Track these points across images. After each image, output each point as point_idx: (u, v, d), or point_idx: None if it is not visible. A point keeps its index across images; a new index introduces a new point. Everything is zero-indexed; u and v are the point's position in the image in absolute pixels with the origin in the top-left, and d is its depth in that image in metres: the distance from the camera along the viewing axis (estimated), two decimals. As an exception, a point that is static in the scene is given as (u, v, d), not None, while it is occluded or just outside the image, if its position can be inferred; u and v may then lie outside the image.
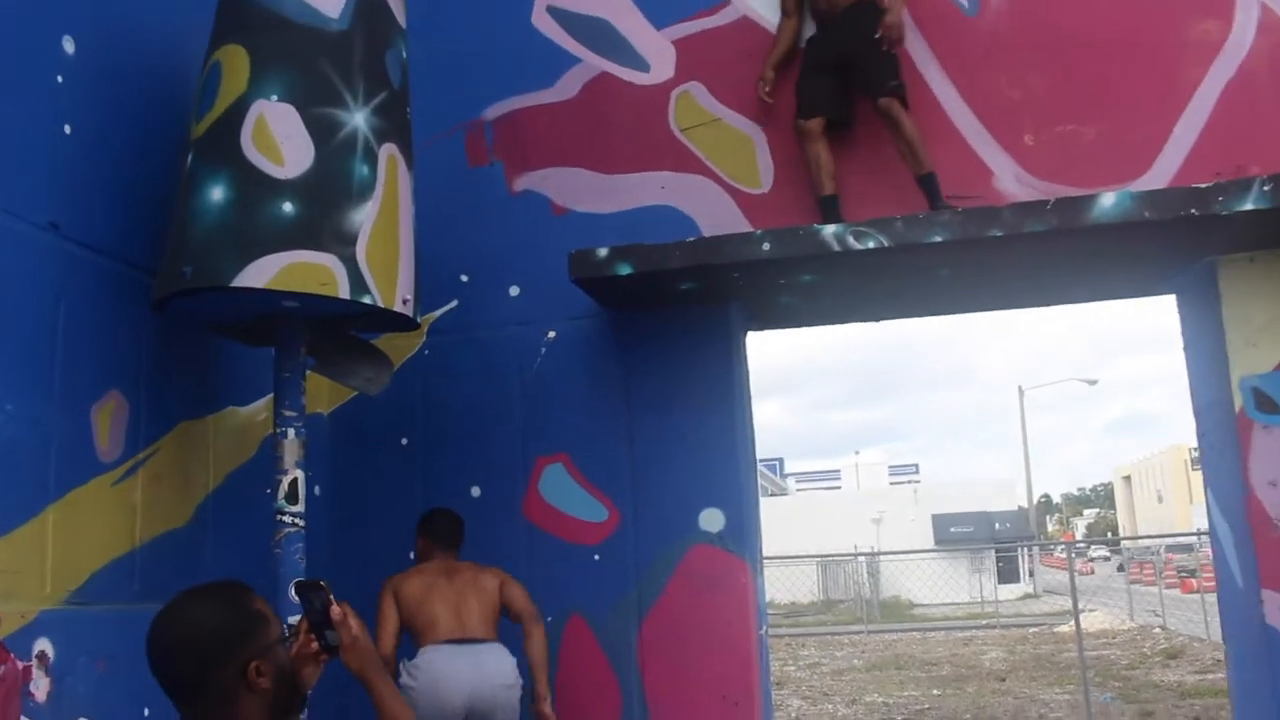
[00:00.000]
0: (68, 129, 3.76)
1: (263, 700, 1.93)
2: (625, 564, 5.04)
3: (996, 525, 35.74)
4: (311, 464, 4.21)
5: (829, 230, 4.44)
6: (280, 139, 3.66)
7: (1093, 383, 38.46)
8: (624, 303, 5.07)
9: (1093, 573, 38.21)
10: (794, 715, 12.98)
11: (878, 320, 5.70)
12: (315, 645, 2.06)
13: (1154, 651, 17.98)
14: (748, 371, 5.36)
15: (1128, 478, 57.26)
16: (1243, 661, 4.86)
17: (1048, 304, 5.58)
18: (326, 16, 3.84)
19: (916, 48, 5.12)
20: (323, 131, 3.72)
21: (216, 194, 3.63)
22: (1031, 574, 35.20)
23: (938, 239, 4.34)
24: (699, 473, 5.03)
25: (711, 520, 4.99)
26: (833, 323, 5.66)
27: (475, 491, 5.23)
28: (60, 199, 3.70)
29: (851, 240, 4.40)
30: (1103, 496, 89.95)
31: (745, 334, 5.40)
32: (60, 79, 3.75)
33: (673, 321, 5.11)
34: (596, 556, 5.07)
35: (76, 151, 3.79)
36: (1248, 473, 4.66)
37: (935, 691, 14.58)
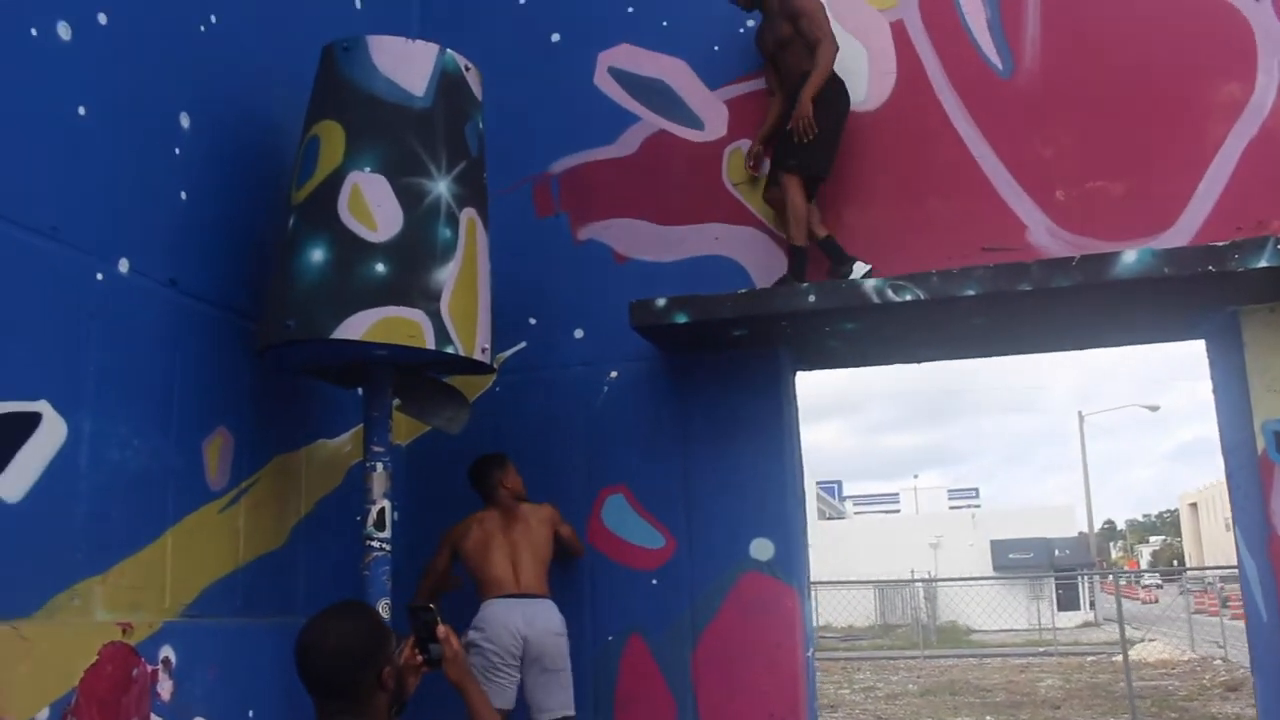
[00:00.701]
0: (183, 195, 4.23)
1: (387, 698, 2.41)
2: (681, 588, 5.39)
3: (1056, 552, 35.47)
4: (391, 493, 4.61)
5: (870, 284, 4.81)
6: (373, 206, 4.11)
7: (1154, 408, 38.04)
8: (680, 347, 5.46)
9: (1156, 601, 37.74)
10: (846, 738, 13.20)
11: (919, 362, 6.03)
12: (420, 658, 2.56)
13: (1214, 683, 17.86)
14: (796, 410, 5.72)
15: (1194, 505, 56.37)
16: (1268, 692, 5.11)
17: (1081, 348, 5.88)
18: (413, 95, 4.29)
19: (953, 107, 5.47)
20: (410, 199, 4.16)
21: (316, 255, 4.08)
22: (1093, 604, 34.88)
23: (970, 293, 4.68)
24: (750, 505, 5.37)
25: (762, 549, 5.34)
26: (876, 364, 6.01)
27: (541, 519, 5.63)
28: (178, 258, 4.17)
29: (890, 294, 4.76)
30: (1169, 524, 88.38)
31: (794, 374, 5.76)
32: (178, 151, 4.22)
33: (726, 364, 5.48)
34: (654, 581, 5.44)
35: (191, 215, 4.26)
36: (1270, 513, 4.93)
37: (989, 718, 14.71)
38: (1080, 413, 36.79)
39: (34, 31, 3.49)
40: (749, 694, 5.20)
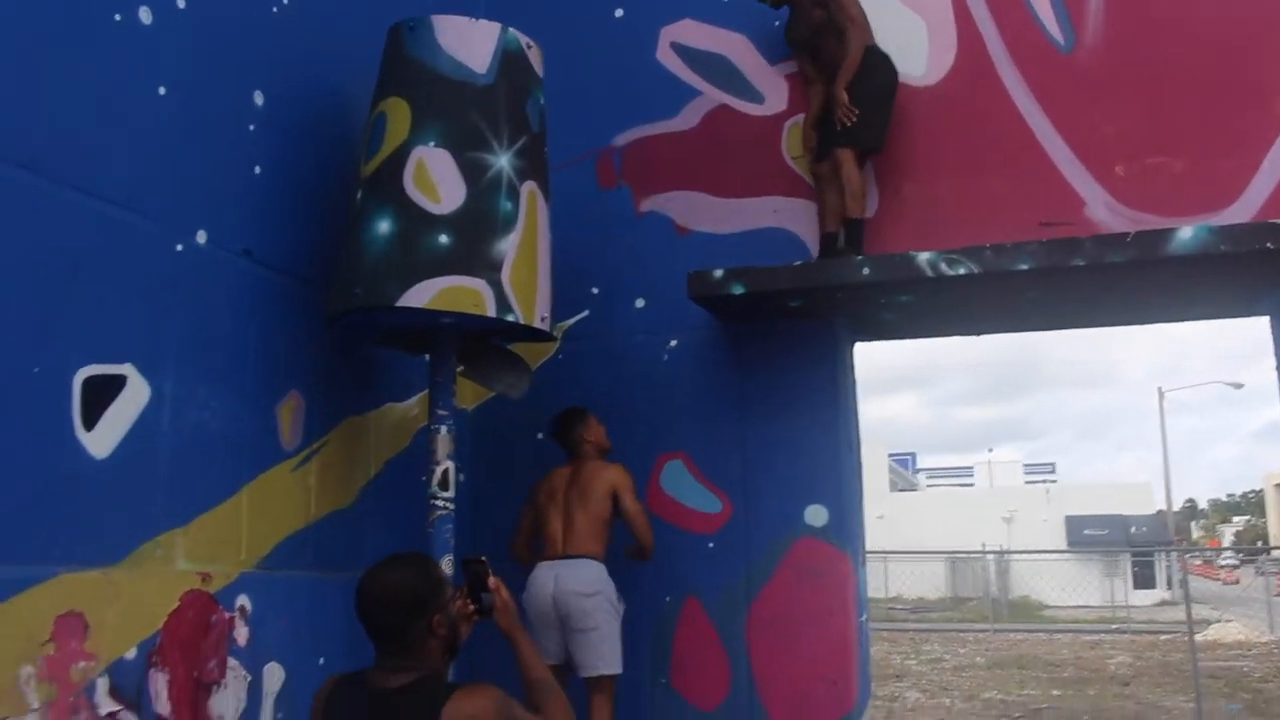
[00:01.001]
0: (257, 170, 4.44)
1: (440, 644, 2.61)
2: (736, 552, 5.52)
3: (1132, 529, 34.98)
4: (456, 455, 4.76)
5: (923, 257, 4.87)
6: (437, 179, 4.28)
7: (1238, 386, 37.26)
8: (738, 317, 5.57)
9: (1237, 582, 37.06)
10: (909, 706, 13.28)
11: (976, 334, 6.08)
12: (472, 608, 2.76)
13: (1291, 665, 17.61)
14: (853, 380, 5.80)
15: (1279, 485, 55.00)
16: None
17: (1138, 323, 5.88)
18: (476, 72, 4.45)
19: (1013, 82, 5.49)
20: (473, 173, 4.33)
21: (383, 226, 4.27)
22: (1169, 583, 34.34)
23: (1023, 267, 4.73)
24: (805, 472, 5.48)
25: (816, 515, 5.45)
26: (933, 336, 6.08)
27: (602, 483, 5.80)
28: (252, 229, 4.38)
29: (944, 267, 4.82)
30: (1254, 504, 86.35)
31: (851, 345, 5.84)
32: (252, 127, 4.43)
33: (783, 334, 5.58)
34: (711, 544, 5.58)
35: (264, 188, 4.48)
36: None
37: (1055, 692, 14.67)
38: (1160, 389, 36.17)
39: (118, 17, 3.71)
40: (802, 658, 5.32)
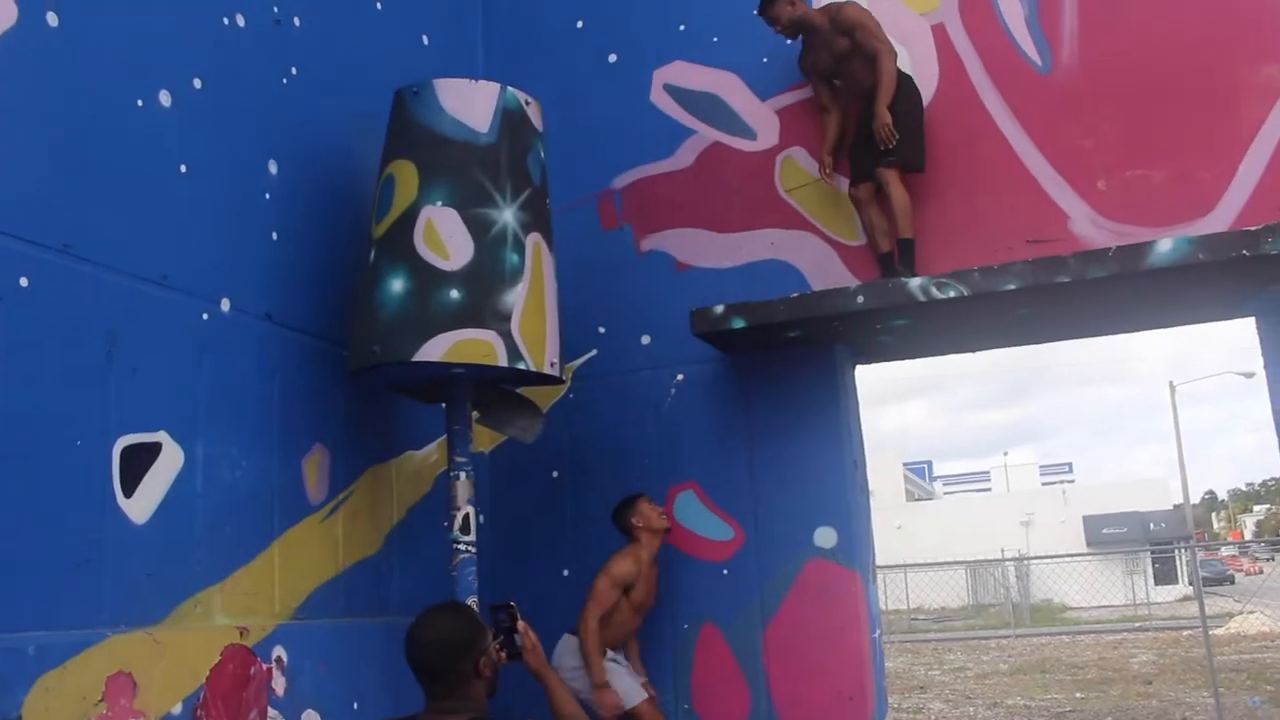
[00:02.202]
0: (274, 236, 4.65)
1: (485, 686, 2.82)
2: (750, 577, 5.68)
3: (1151, 525, 34.97)
4: (474, 498, 4.94)
5: (914, 283, 5.05)
6: (445, 237, 4.48)
7: (1250, 375, 37.20)
8: (741, 349, 5.75)
9: (1261, 572, 36.98)
10: (934, 717, 13.37)
11: (972, 351, 6.25)
12: (502, 652, 2.97)
13: (1315, 655, 17.63)
14: (856, 403, 5.97)
15: (1298, 472, 54.89)
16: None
17: (1131, 330, 6.04)
18: (478, 132, 4.66)
19: (994, 104, 5.68)
20: (480, 228, 4.53)
21: (397, 285, 4.46)
22: (1190, 580, 34.28)
23: (1010, 287, 4.91)
24: (813, 495, 5.63)
25: (825, 538, 5.60)
26: (929, 355, 6.24)
27: (617, 516, 5.98)
28: (272, 293, 4.58)
29: (935, 291, 5.00)
30: (1274, 491, 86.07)
31: (853, 369, 6.01)
32: (268, 196, 4.64)
33: (785, 363, 5.75)
34: (725, 571, 5.74)
35: (282, 253, 4.68)
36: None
37: (1079, 694, 14.76)
38: (1171, 383, 36.21)
39: (140, 102, 3.93)
40: (818, 676, 5.47)
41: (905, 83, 5.56)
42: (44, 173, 3.52)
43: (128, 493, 3.68)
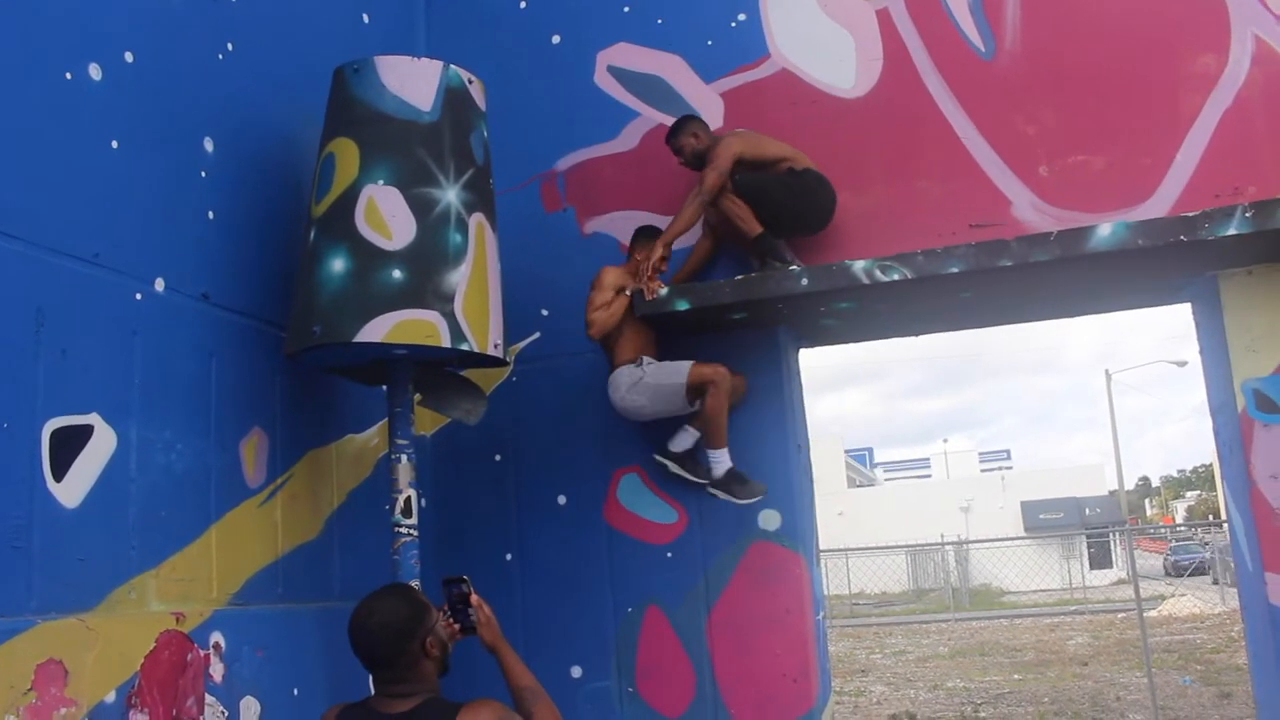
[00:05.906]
0: (211, 215, 4.54)
1: (434, 665, 2.78)
2: (694, 559, 5.69)
3: (1087, 511, 35.62)
4: (417, 480, 4.87)
5: (858, 265, 5.07)
6: (387, 216, 4.41)
7: (1182, 364, 37.99)
8: (685, 331, 5.73)
9: (1191, 555, 37.76)
10: (875, 700, 13.52)
11: (915, 335, 6.29)
12: (455, 626, 2.94)
13: (1242, 635, 18.01)
14: (800, 386, 6.00)
15: (1227, 458, 56.09)
16: (1256, 637, 5.37)
17: (1073, 315, 6.11)
18: (420, 110, 4.58)
19: (938, 89, 5.71)
20: (422, 208, 4.46)
21: (338, 265, 4.38)
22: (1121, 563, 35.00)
23: (954, 270, 4.94)
24: (757, 478, 5.61)
25: (769, 520, 5.62)
26: (873, 339, 6.28)
27: (561, 500, 5.95)
28: (208, 273, 4.47)
29: (879, 274, 5.02)
30: (1204, 478, 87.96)
31: (796, 352, 6.03)
32: (204, 174, 4.53)
33: (729, 346, 5.75)
34: (669, 554, 5.73)
35: (218, 233, 4.56)
36: (1252, 468, 5.17)
37: (1016, 676, 14.99)
38: (1107, 371, 36.81)
39: (68, 75, 3.80)
40: (762, 658, 5.49)
41: (810, 181, 5.50)
42: (-31, 146, 3.40)
43: (58, 476, 3.57)
